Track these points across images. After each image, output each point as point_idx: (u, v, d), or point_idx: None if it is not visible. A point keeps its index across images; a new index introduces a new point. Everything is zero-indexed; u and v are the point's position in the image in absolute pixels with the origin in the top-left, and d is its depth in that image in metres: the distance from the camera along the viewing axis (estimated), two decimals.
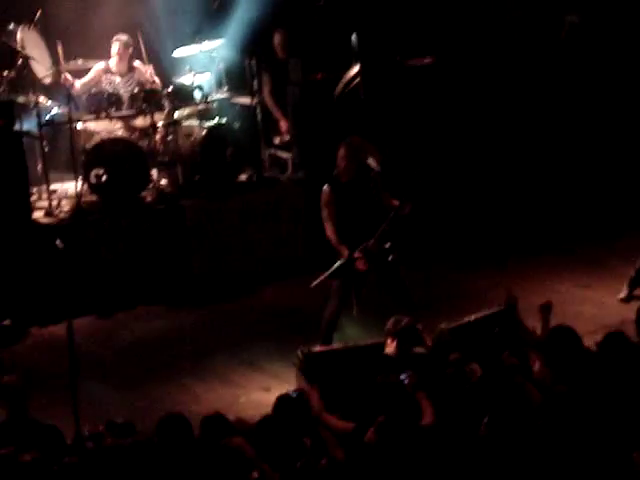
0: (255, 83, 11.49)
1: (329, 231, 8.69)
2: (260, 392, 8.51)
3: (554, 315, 7.39)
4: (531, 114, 12.07)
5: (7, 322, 10.01)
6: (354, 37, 11.42)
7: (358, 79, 11.30)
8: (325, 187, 8.73)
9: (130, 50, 11.14)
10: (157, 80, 11.27)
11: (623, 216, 11.31)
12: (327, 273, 8.67)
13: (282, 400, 6.44)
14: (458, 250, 11.01)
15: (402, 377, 6.72)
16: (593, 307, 9.49)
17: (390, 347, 7.47)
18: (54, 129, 11.00)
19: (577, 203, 11.65)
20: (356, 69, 11.32)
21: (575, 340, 6.77)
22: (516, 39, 12.01)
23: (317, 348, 8.13)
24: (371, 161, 8.84)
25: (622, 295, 9.58)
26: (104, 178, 10.66)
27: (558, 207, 11.63)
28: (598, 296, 9.75)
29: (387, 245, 8.67)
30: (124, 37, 11.13)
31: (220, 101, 11.44)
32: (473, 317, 7.92)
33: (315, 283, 8.72)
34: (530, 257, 10.78)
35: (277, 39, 11.79)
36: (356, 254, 8.60)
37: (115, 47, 11.11)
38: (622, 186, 11.65)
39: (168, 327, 10.03)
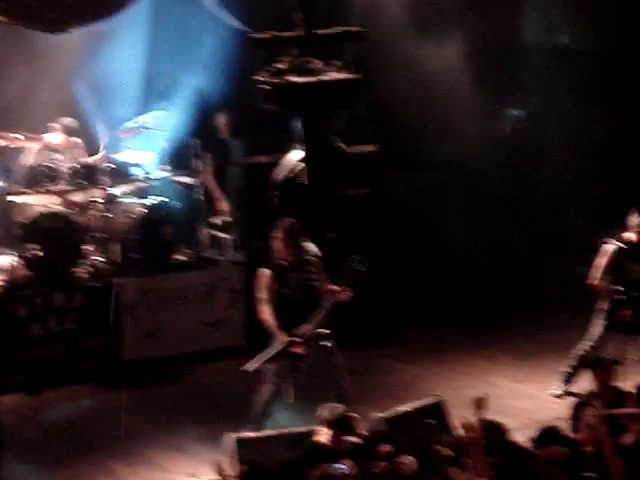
0: (197, 163, 11.48)
1: (266, 315, 8.60)
2: (187, 477, 8.32)
3: (488, 409, 7.34)
4: (467, 196, 12.22)
5: None
6: (297, 122, 11.48)
7: (301, 165, 11.34)
8: (264, 270, 8.67)
9: (74, 133, 11.14)
10: (97, 158, 11.21)
11: (558, 310, 11.38)
12: (263, 358, 8.57)
13: None
14: (396, 337, 10.98)
15: (340, 467, 6.63)
16: (526, 401, 9.48)
17: (324, 436, 7.37)
18: None
19: (511, 296, 11.71)
20: (299, 155, 11.37)
21: (503, 436, 6.74)
22: (458, 132, 12.19)
23: (248, 434, 8.01)
24: (309, 245, 8.82)
25: (556, 391, 9.58)
26: (39, 253, 10.53)
27: (493, 299, 11.68)
28: (532, 390, 9.75)
29: (324, 331, 8.62)
30: (67, 120, 11.11)
31: (161, 179, 11.40)
32: (408, 408, 7.87)
33: (250, 367, 8.60)
34: (466, 348, 10.78)
35: (221, 120, 11.83)
36: (293, 339, 8.52)
37: (58, 130, 11.07)
38: (558, 279, 11.74)
39: (96, 408, 9.87)
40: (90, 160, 11.17)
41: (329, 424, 7.37)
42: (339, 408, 7.51)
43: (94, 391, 10.20)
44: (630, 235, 9.37)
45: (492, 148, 12.27)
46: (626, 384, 8.10)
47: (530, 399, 9.54)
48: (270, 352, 8.55)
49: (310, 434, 7.51)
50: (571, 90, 12.28)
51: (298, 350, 8.53)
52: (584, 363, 9.32)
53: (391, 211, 11.95)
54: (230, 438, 7.83)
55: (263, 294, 8.63)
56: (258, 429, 8.37)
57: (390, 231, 11.81)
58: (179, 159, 11.59)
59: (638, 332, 9.40)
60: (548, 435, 6.69)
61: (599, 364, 8.26)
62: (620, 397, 7.86)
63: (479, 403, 7.24)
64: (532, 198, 12.49)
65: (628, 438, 6.81)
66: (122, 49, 11.67)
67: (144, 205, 11.07)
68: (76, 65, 11.60)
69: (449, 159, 12.03)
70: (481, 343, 10.88)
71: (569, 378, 9.56)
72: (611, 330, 9.41)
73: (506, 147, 12.51)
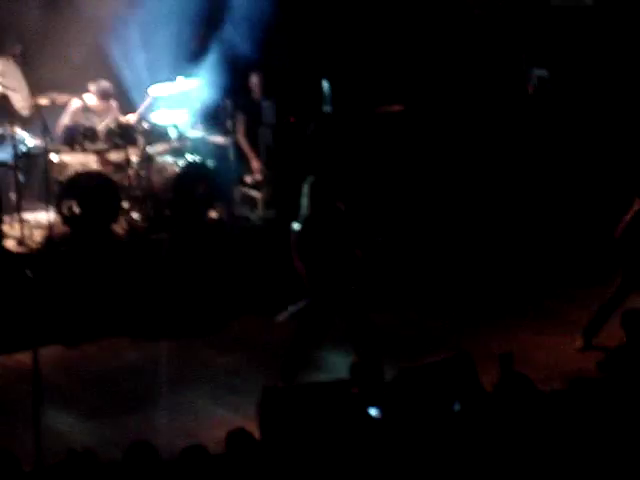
0: (230, 123, 11.71)
1: (301, 269, 8.87)
2: (222, 427, 8.57)
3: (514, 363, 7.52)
4: (499, 165, 12.29)
5: None
6: (325, 83, 11.74)
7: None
8: (296, 226, 8.92)
9: (109, 96, 11.37)
10: (132, 118, 11.48)
11: (582, 267, 11.50)
12: (295, 310, 8.83)
13: (232, 436, 6.53)
14: (424, 294, 11.14)
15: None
16: (550, 355, 9.62)
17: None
18: (29, 160, 11.10)
19: (537, 253, 11.80)
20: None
21: (529, 385, 6.93)
22: (486, 92, 12.29)
23: (280, 384, 8.27)
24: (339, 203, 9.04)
25: (578, 344, 9.77)
26: (76, 210, 10.82)
27: (520, 257, 11.77)
28: (555, 344, 9.89)
29: (354, 287, 8.85)
30: (102, 84, 11.33)
31: (195, 139, 11.64)
32: (431, 360, 8.09)
33: (281, 318, 8.87)
34: (493, 305, 10.91)
35: (254, 80, 12.01)
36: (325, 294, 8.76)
37: (93, 92, 11.31)
38: (581, 238, 11.83)
39: (134, 359, 10.09)
40: (125, 120, 11.43)
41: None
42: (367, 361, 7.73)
43: (130, 344, 10.37)
44: None
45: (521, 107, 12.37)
46: None
47: (553, 352, 9.67)
48: (302, 305, 8.81)
49: (339, 384, 7.75)
50: (595, 51, 12.35)
51: (328, 304, 8.79)
52: (606, 316, 9.53)
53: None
54: (261, 388, 8.08)
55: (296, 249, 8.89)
56: (289, 380, 8.64)
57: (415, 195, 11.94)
58: (212, 119, 11.82)
59: None
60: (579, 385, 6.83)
61: (629, 317, 8.37)
62: None
63: (504, 358, 7.45)
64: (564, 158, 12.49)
65: None
66: (155, 11, 11.87)
67: (178, 164, 11.33)
68: (111, 26, 11.82)
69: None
70: (508, 300, 10.99)
71: (590, 332, 9.72)
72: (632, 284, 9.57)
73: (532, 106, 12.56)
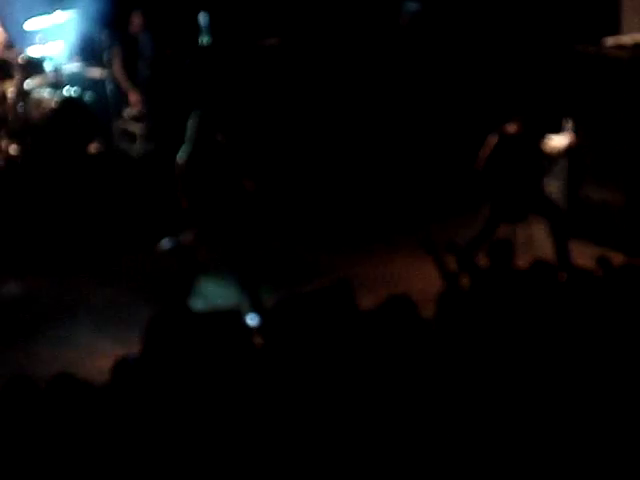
0: (106, 55, 11.68)
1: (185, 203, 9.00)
2: (106, 358, 8.68)
3: (387, 289, 7.75)
4: (373, 97, 12.51)
5: None
6: (202, 15, 11.79)
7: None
8: (180, 159, 9.03)
9: None
10: (12, 49, 11.35)
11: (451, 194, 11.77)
12: (174, 241, 8.98)
13: (119, 366, 6.64)
14: (298, 225, 11.26)
15: None
16: (424, 280, 9.77)
17: None
18: None
19: (407, 182, 12.01)
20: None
21: (411, 309, 7.19)
22: (360, 25, 12.47)
23: (164, 313, 8.39)
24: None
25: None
26: None
27: (390, 186, 11.95)
28: (429, 270, 10.14)
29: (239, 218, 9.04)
30: None
31: (71, 72, 11.58)
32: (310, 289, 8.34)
33: (160, 249, 9.00)
34: (367, 233, 11.12)
35: (136, 20, 11.93)
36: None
37: None
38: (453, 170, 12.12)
39: (17, 292, 10.09)
40: (2, 54, 11.30)
41: None
42: None
43: (14, 275, 10.33)
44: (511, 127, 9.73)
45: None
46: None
47: (428, 277, 9.92)
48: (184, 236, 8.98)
49: (224, 314, 7.93)
50: None
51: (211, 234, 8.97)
52: (478, 246, 9.88)
53: None
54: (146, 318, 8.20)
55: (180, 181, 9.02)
56: (180, 308, 8.78)
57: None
58: (89, 52, 11.77)
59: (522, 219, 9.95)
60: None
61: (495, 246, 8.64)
62: None
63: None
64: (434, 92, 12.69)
65: None
66: None
67: (56, 97, 11.26)
68: None
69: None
70: (383, 230, 11.20)
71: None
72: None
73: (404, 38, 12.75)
